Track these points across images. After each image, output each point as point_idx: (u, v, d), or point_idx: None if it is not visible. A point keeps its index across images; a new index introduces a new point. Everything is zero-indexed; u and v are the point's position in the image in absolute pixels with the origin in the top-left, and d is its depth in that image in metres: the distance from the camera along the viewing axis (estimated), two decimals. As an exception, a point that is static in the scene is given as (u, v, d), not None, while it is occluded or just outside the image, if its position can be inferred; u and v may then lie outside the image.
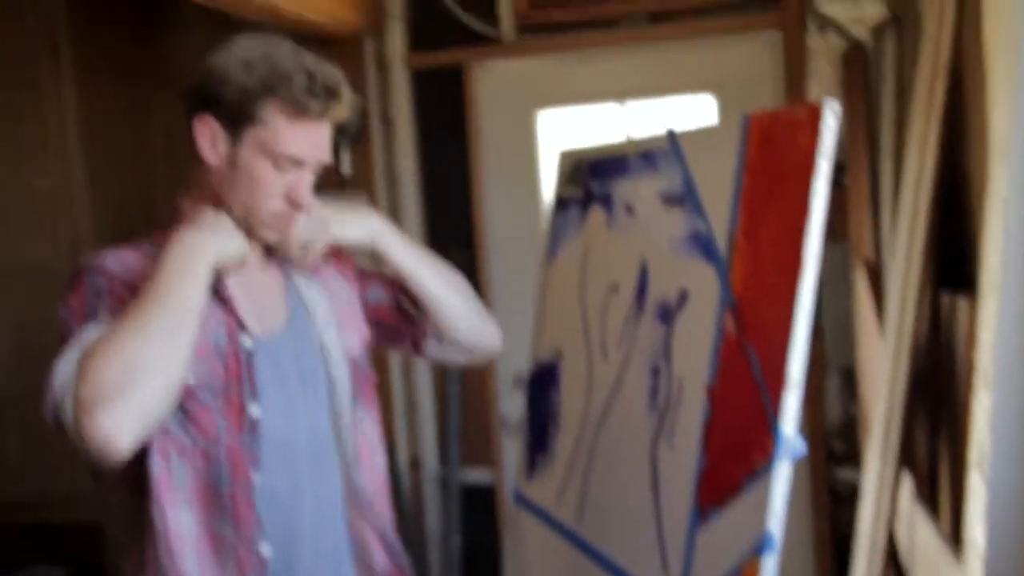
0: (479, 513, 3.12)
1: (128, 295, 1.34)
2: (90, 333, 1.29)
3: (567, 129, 3.00)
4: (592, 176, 1.77)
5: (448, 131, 3.07)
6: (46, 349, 3.20)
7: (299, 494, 1.48)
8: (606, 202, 1.70)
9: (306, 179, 1.44)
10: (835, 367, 2.74)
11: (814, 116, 1.22)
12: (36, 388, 3.31)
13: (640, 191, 1.60)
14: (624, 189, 1.65)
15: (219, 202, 1.43)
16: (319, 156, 1.44)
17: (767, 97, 2.74)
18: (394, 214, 3.10)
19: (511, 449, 3.10)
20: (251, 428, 1.42)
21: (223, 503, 1.41)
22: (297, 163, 1.41)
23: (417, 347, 1.71)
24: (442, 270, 1.65)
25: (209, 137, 1.40)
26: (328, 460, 1.53)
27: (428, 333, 1.67)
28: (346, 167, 3.04)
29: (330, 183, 3.03)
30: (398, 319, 1.68)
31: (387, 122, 3.08)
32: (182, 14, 3.19)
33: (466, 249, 3.09)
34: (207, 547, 1.41)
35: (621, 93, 2.94)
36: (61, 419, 1.25)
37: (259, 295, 1.50)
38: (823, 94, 2.65)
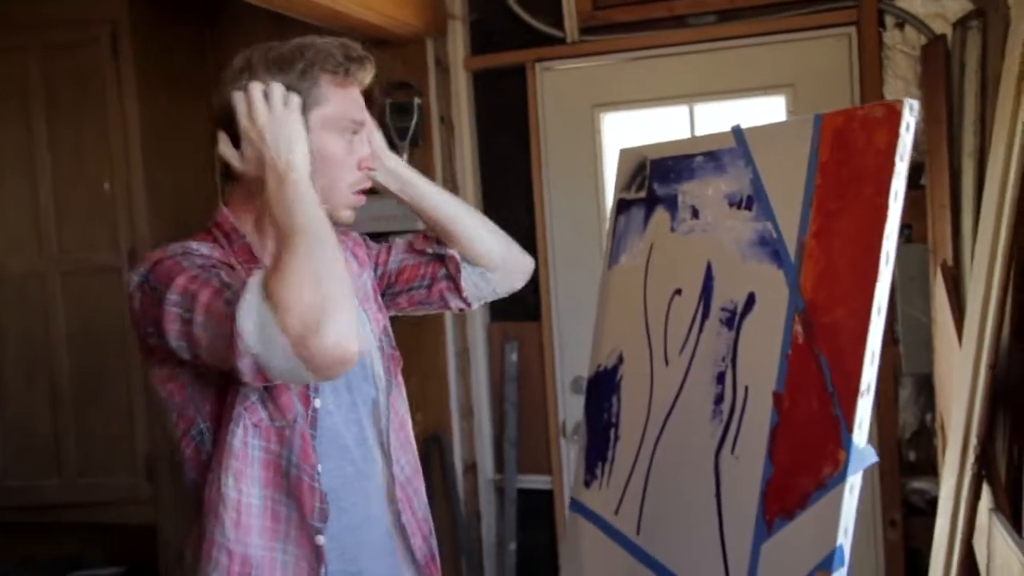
0: (536, 519, 3.09)
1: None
2: (247, 280, 1.28)
3: (632, 131, 2.95)
4: (655, 177, 1.72)
5: (509, 133, 3.05)
6: (109, 347, 3.27)
7: (351, 489, 1.51)
8: (670, 204, 1.66)
9: (364, 141, 1.53)
10: (909, 374, 2.65)
11: (892, 115, 1.17)
12: (97, 386, 3.37)
13: (706, 192, 1.55)
14: (689, 190, 1.60)
15: (261, 212, 1.45)
16: (367, 116, 1.54)
17: (840, 97, 2.67)
18: (455, 216, 3.08)
19: (569, 455, 3.07)
20: (313, 420, 1.45)
21: (289, 486, 1.43)
22: (358, 125, 1.50)
23: (457, 287, 1.71)
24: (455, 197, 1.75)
25: None
26: (372, 454, 1.56)
27: (459, 265, 1.70)
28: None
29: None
30: (428, 269, 1.71)
31: (447, 124, 3.06)
32: (242, 20, 3.22)
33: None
34: (270, 524, 1.43)
35: (688, 95, 2.89)
36: (265, 365, 1.24)
37: None
38: (900, 92, 2.57)
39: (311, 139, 1.42)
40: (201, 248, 1.43)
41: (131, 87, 3.11)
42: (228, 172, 1.48)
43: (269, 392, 1.41)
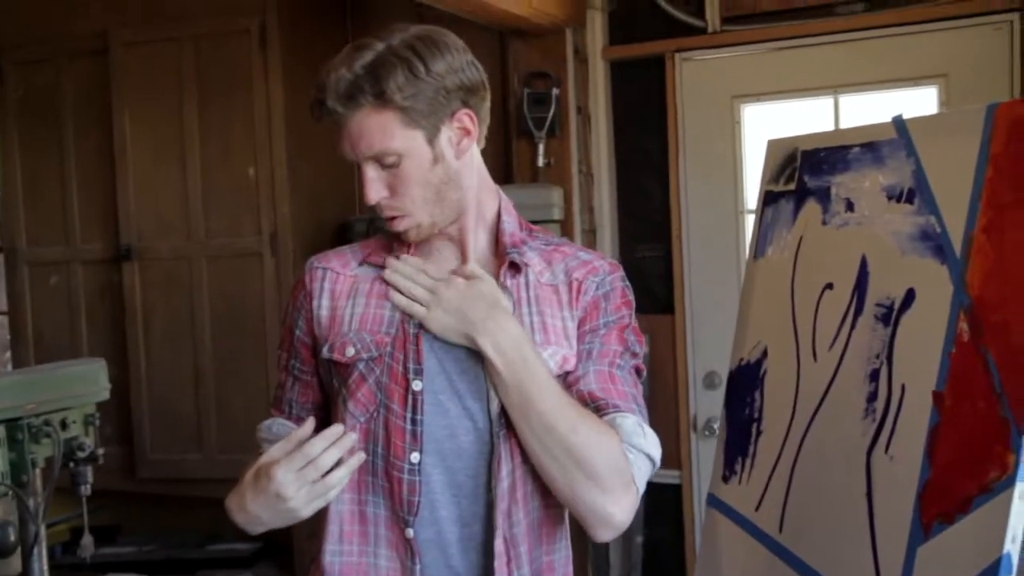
0: (664, 513, 3.06)
1: (334, 293, 1.48)
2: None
3: (773, 124, 2.89)
4: (806, 168, 1.68)
5: (646, 124, 3.02)
6: (249, 330, 3.35)
7: (448, 483, 1.41)
8: (822, 196, 1.61)
9: (367, 174, 1.40)
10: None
11: (1077, 104, 1.11)
12: (237, 367, 3.45)
13: (862, 185, 1.50)
14: (843, 182, 1.56)
15: None
16: (359, 151, 1.40)
17: (998, 88, 2.55)
18: (588, 208, 3.08)
19: (699, 450, 3.03)
20: (412, 403, 1.38)
21: (376, 480, 1.40)
22: (352, 160, 1.42)
23: None
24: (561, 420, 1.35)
25: None
26: (478, 460, 1.41)
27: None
28: (540, 159, 3.04)
29: (524, 175, 3.07)
30: None
31: (584, 114, 3.06)
32: (383, 10, 3.28)
33: (660, 244, 3.04)
34: (352, 527, 1.42)
35: (833, 86, 2.81)
36: None
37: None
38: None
39: None
40: (335, 261, 1.52)
41: (277, 75, 3.21)
42: None
43: (348, 390, 1.41)
